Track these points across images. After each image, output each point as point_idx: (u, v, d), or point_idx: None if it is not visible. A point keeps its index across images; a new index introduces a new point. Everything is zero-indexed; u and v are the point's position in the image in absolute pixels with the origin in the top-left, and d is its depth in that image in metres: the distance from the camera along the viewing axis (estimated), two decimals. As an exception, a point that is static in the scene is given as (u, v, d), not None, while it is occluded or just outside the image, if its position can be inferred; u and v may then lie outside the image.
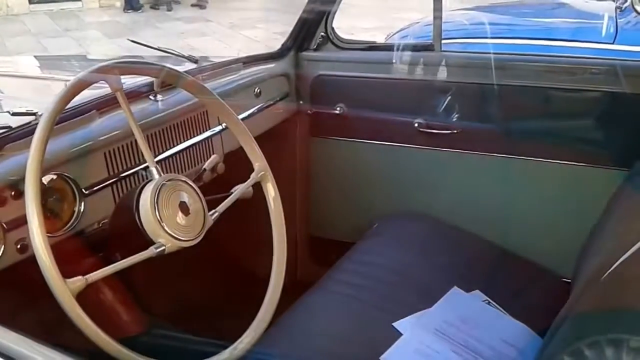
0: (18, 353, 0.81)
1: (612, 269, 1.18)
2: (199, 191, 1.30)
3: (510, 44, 3.07)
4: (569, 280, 1.74)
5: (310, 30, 2.14)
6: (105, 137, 1.43)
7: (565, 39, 3.23)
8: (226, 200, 1.38)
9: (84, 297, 1.09)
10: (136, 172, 1.48)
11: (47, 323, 1.15)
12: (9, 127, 1.31)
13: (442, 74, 2.03)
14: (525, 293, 1.68)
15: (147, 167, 1.30)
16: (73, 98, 1.22)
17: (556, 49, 3.08)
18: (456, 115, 2.00)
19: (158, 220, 1.20)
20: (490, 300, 1.61)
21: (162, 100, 1.61)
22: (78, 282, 1.07)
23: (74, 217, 1.35)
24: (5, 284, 1.24)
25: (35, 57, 3.73)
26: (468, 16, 3.69)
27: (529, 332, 1.53)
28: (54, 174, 1.31)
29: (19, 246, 1.23)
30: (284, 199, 1.50)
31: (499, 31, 3.37)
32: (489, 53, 1.99)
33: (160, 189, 1.22)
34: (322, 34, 2.16)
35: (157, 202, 1.21)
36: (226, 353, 1.24)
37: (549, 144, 1.92)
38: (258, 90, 1.98)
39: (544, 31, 3.51)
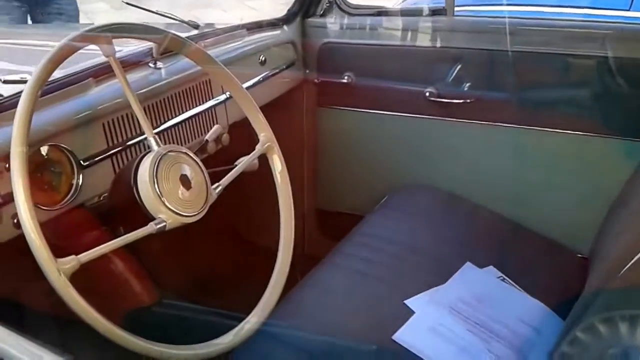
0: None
1: None
2: (201, 164, 1.23)
3: (524, 11, 2.97)
4: (586, 257, 1.69)
5: (318, -6, 2.06)
6: (104, 106, 1.36)
7: (580, 6, 3.14)
8: (230, 173, 1.31)
9: (94, 267, 1.04)
10: (138, 143, 1.42)
11: (50, 298, 1.09)
12: (0, 95, 1.24)
13: (455, 40, 1.95)
14: (540, 269, 1.62)
15: (145, 138, 1.23)
16: (60, 63, 1.14)
17: (571, 16, 2.99)
18: (469, 84, 1.93)
19: (158, 195, 1.13)
20: (505, 277, 1.55)
21: (162, 68, 1.54)
22: (71, 262, 1.01)
23: (72, 190, 1.28)
24: (4, 260, 1.18)
25: (43, 26, 3.64)
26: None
27: (546, 311, 1.47)
28: (50, 145, 1.24)
29: (15, 220, 1.16)
30: (290, 171, 1.44)
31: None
32: (504, 17, 1.91)
33: (159, 161, 1.15)
34: (329, -2, 2.08)
35: (156, 175, 1.14)
36: (230, 335, 1.18)
37: (566, 114, 1.84)
38: (263, 58, 1.90)
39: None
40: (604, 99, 1.82)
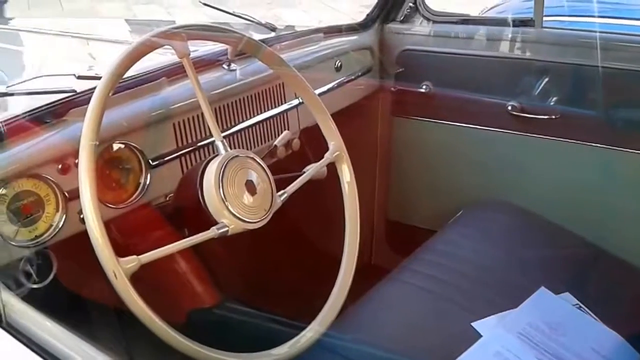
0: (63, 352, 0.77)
1: None
2: (267, 170, 1.23)
3: (617, 24, 2.87)
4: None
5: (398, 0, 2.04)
6: (175, 106, 1.39)
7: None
8: (297, 181, 1.30)
9: (157, 265, 1.06)
10: (207, 145, 1.43)
11: (111, 295, 1.11)
12: (74, 91, 1.28)
13: (541, 53, 1.90)
14: (621, 299, 1.54)
15: (213, 141, 1.25)
16: (135, 62, 1.17)
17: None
18: (554, 99, 1.87)
19: (222, 199, 1.13)
20: (582, 305, 1.49)
21: (237, 70, 1.55)
22: (132, 262, 1.02)
23: (139, 189, 1.31)
24: (69, 253, 1.22)
25: (126, 20, 3.77)
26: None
27: (622, 342, 1.40)
28: (121, 142, 1.27)
29: (81, 216, 1.19)
30: (361, 180, 1.43)
31: (605, 10, 3.16)
32: (595, 31, 1.85)
33: (225, 165, 1.16)
34: (411, 4, 2.06)
35: (221, 179, 1.14)
36: (286, 347, 1.17)
37: None
38: (339, 64, 1.90)
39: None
40: None
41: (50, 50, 1.91)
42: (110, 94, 1.10)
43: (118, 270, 1.00)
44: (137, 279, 1.04)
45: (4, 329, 0.83)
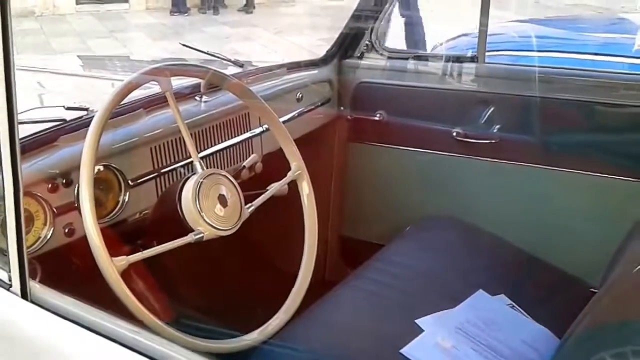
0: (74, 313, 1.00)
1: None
2: (237, 185, 1.46)
3: (560, 58, 3.16)
4: (597, 290, 1.85)
5: (356, 38, 2.30)
6: (152, 133, 1.61)
7: (620, 55, 3.30)
8: (262, 196, 1.54)
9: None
10: (179, 167, 1.65)
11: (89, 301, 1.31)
12: (64, 120, 1.50)
13: (484, 85, 2.17)
14: (551, 300, 1.77)
15: (191, 162, 1.47)
16: (127, 96, 1.40)
17: (610, 65, 3.15)
18: (494, 126, 2.13)
19: (198, 210, 1.36)
20: (515, 304, 1.71)
21: (207, 102, 1.78)
22: (122, 261, 1.24)
23: (118, 206, 1.52)
24: (51, 264, 1.38)
25: (78, 56, 3.96)
26: (519, 29, 3.80)
27: (550, 336, 1.63)
28: (103, 165, 1.48)
29: (66, 230, 1.40)
30: (318, 199, 1.65)
31: (549, 45, 3.46)
32: (534, 66, 2.13)
33: (202, 181, 1.38)
34: (367, 42, 2.32)
35: (198, 193, 1.37)
36: (255, 333, 1.40)
37: (585, 157, 2.04)
38: (300, 95, 2.13)
39: (598, 47, 3.58)
40: (621, 145, 2.02)
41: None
42: (107, 122, 1.33)
43: (112, 267, 1.23)
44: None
45: (30, 302, 1.07)
